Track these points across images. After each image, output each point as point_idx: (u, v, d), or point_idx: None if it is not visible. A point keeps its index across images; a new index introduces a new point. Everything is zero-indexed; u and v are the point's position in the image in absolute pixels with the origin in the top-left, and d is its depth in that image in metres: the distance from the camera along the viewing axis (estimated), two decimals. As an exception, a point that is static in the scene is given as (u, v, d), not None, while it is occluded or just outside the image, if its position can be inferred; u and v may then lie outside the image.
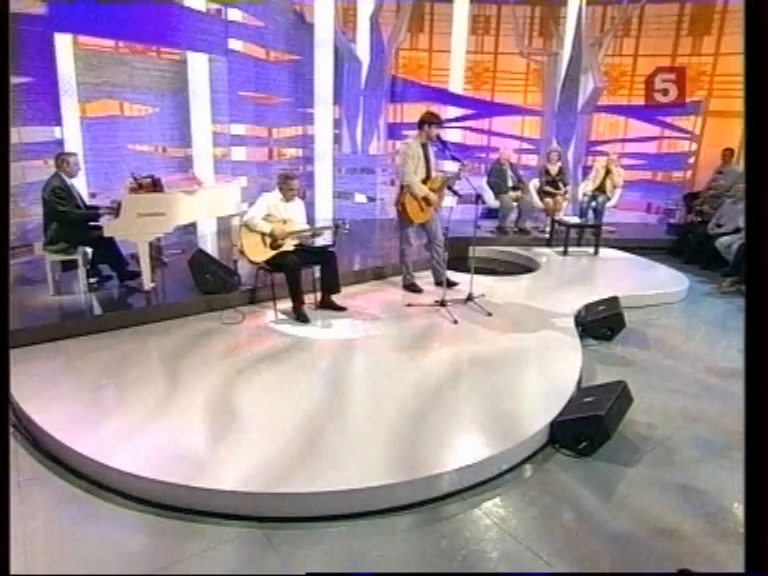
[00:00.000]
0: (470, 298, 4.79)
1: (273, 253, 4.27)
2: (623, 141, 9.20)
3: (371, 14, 7.88)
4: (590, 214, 7.35)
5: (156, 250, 5.26)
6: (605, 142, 9.04)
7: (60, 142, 5.16)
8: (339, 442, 2.79)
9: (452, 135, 9.13)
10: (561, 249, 6.74)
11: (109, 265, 4.62)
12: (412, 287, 5.17)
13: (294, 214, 4.43)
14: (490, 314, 4.59)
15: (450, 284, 5.14)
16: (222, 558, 2.23)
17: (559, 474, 2.86)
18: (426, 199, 4.81)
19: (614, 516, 2.55)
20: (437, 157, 5.12)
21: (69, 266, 4.56)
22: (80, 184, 5.52)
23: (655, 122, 8.55)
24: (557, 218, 6.93)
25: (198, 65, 6.58)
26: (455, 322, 4.41)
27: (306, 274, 4.69)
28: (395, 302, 4.91)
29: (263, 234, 4.21)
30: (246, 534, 2.37)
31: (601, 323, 4.52)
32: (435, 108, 9.39)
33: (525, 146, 9.15)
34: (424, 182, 4.81)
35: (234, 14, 6.94)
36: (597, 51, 8.50)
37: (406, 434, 2.87)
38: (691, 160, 8.72)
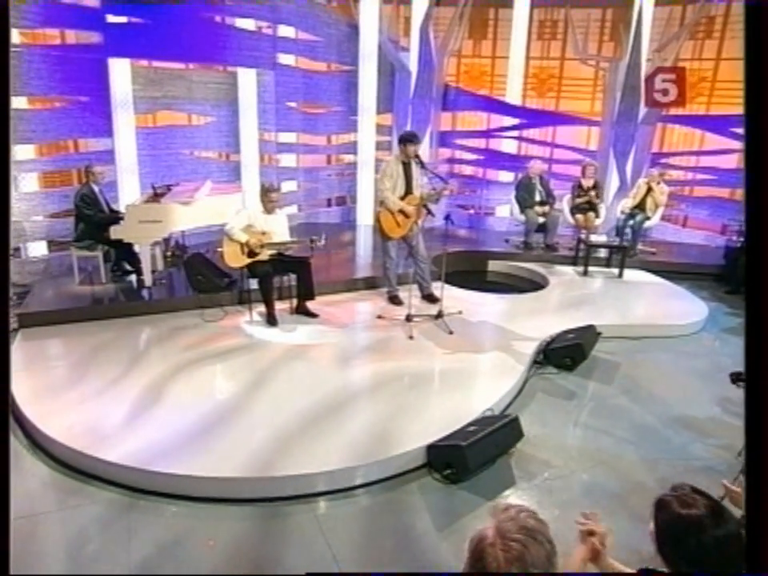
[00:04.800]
0: (439, 314, 4.89)
1: (248, 261, 4.73)
2: (696, 153, 8.41)
3: (420, 23, 8.03)
4: (628, 232, 6.92)
5: (180, 248, 6.00)
6: (672, 155, 8.35)
7: (111, 151, 6.05)
8: (222, 433, 3.19)
9: (506, 145, 9.01)
10: (582, 268, 6.48)
11: (127, 262, 5.40)
12: (394, 299, 5.36)
13: (274, 226, 4.83)
14: (451, 333, 4.67)
15: (432, 299, 5.26)
16: (83, 514, 2.75)
17: (415, 496, 2.99)
18: (402, 213, 4.96)
19: (436, 547, 2.65)
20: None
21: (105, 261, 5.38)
22: (133, 188, 6.42)
23: (728, 133, 7.73)
24: (581, 236, 6.65)
25: (247, 78, 7.24)
26: (410, 337, 4.57)
27: (289, 281, 5.11)
28: (370, 312, 5.15)
29: (240, 244, 4.68)
30: (116, 499, 2.87)
31: (561, 352, 4.41)
32: (494, 117, 9.39)
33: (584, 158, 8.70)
34: (402, 199, 4.97)
35: (285, 30, 7.53)
36: (667, 56, 7.88)
37: (280, 436, 3.19)
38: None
